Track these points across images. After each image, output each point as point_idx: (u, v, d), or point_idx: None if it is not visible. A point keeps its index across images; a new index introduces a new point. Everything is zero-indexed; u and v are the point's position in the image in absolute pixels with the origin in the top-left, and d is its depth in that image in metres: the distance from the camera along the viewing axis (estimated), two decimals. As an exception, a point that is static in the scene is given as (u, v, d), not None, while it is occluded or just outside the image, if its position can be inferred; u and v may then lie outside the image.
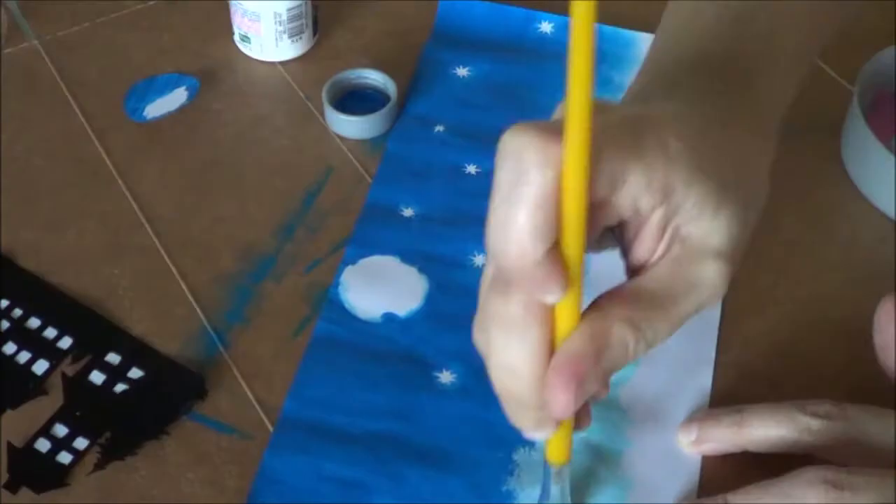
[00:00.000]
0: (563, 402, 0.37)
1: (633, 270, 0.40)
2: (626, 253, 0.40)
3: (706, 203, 0.37)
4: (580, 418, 0.43)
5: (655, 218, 0.38)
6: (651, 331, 0.38)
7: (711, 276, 0.39)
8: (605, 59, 0.69)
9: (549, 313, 0.37)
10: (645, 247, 0.39)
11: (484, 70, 0.69)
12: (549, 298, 0.36)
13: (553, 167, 0.34)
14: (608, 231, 0.39)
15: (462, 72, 0.69)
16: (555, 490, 0.46)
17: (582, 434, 0.51)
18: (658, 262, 0.39)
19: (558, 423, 0.41)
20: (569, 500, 0.47)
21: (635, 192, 0.37)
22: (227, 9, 0.69)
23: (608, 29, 0.69)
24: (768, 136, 0.43)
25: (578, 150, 0.34)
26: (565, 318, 0.37)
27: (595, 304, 0.38)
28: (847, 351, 0.55)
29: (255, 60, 0.69)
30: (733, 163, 0.39)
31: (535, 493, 0.49)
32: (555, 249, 0.35)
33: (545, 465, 0.45)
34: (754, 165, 0.41)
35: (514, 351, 0.38)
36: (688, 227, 0.38)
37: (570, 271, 0.36)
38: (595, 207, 0.36)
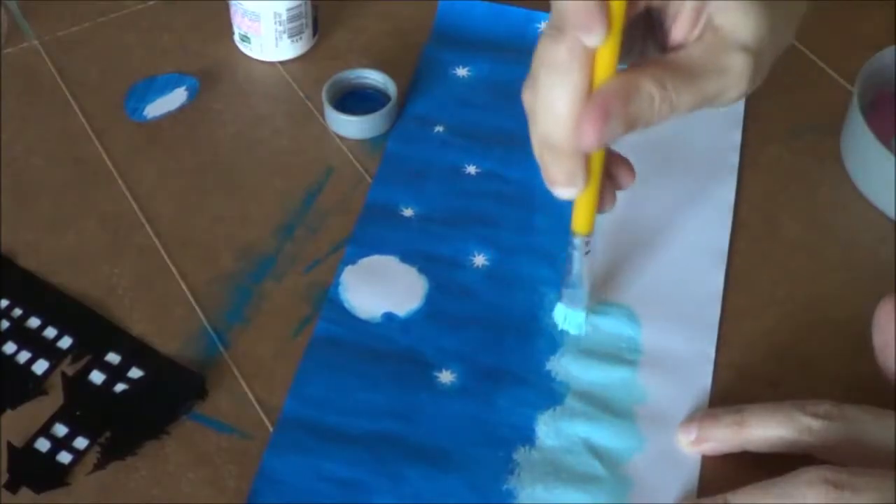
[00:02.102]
0: (590, 132, 0.42)
1: (670, 52, 0.45)
2: (663, 38, 0.46)
3: None
4: (604, 198, 0.49)
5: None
6: (676, 95, 0.43)
7: (737, 65, 0.43)
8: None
9: (590, 60, 0.43)
10: (681, 29, 0.44)
11: (484, 70, 0.69)
12: (593, 40, 0.42)
13: None
14: (644, 23, 0.45)
15: (462, 72, 0.69)
16: (577, 263, 0.51)
17: (588, 438, 0.51)
18: (692, 44, 0.44)
19: (587, 180, 0.46)
20: (586, 278, 0.52)
21: None
22: (227, 9, 0.69)
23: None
24: None
25: None
26: (603, 66, 0.43)
27: (631, 66, 0.44)
28: (847, 351, 0.55)
29: (255, 60, 0.69)
30: None
31: (535, 492, 0.49)
32: (602, 1, 0.41)
33: (570, 238, 0.51)
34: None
35: (556, 91, 0.43)
36: (720, 17, 0.43)
37: (612, 21, 0.41)
38: None
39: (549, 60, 0.43)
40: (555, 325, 0.55)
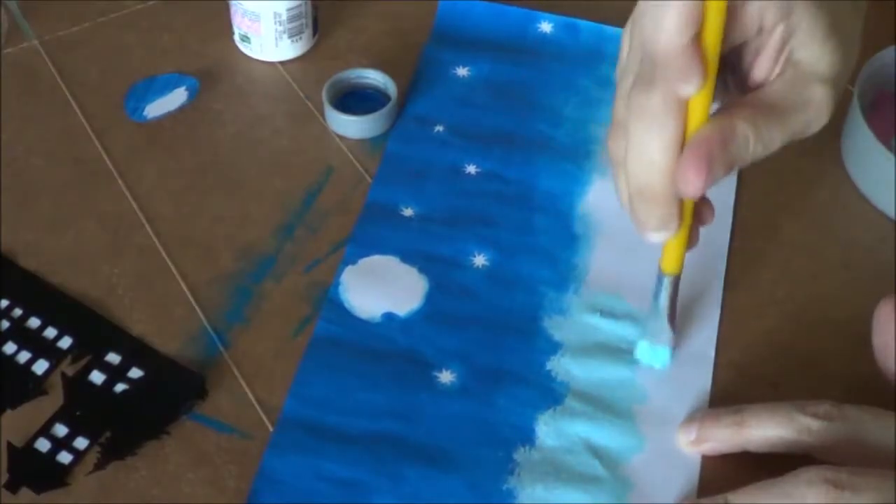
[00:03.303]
0: (694, 180, 0.43)
1: (751, 90, 0.46)
2: (745, 76, 0.47)
3: (817, 30, 0.44)
4: (691, 237, 0.50)
5: (776, 36, 0.44)
6: (768, 133, 0.44)
7: (819, 96, 0.45)
8: (604, 59, 0.69)
9: (684, 109, 0.43)
10: (764, 67, 0.46)
11: (484, 70, 0.69)
12: (688, 89, 0.42)
13: None
14: (724, 61, 0.45)
15: (462, 72, 0.69)
16: (664, 301, 0.52)
17: (588, 438, 0.51)
18: (774, 81, 0.45)
19: (680, 224, 0.46)
20: (670, 316, 0.52)
21: (762, 4, 0.43)
22: (227, 9, 0.69)
23: (610, 29, 0.69)
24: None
25: None
26: (697, 112, 0.43)
27: (721, 109, 0.45)
28: (847, 351, 0.55)
29: (255, 60, 0.69)
30: (840, 9, 0.45)
31: (535, 492, 0.49)
32: (696, 43, 0.42)
33: (658, 275, 0.51)
34: (851, 19, 0.47)
35: (651, 141, 0.44)
36: (800, 52, 0.45)
37: (707, 66, 0.42)
38: (727, 16, 0.42)
39: (643, 110, 0.44)
40: (553, 327, 0.55)
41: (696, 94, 0.43)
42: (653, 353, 0.54)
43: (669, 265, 0.51)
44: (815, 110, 0.45)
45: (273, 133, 0.65)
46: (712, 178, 0.43)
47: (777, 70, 0.45)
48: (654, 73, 0.43)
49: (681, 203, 0.46)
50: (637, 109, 0.44)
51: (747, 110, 0.44)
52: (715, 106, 0.45)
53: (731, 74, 0.47)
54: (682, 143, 0.44)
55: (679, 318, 0.56)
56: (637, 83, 0.44)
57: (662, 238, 0.47)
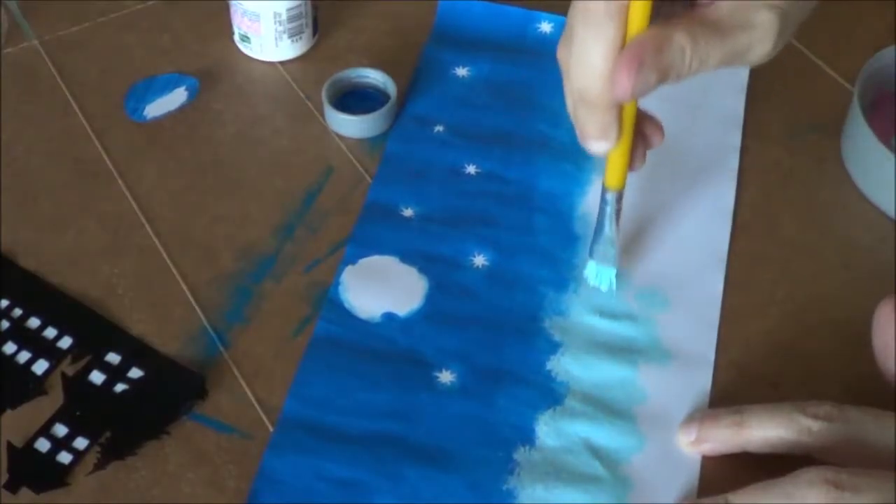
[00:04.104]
0: (624, 81, 0.44)
1: (698, 7, 0.46)
2: None
3: None
4: (634, 156, 0.51)
5: None
6: (706, 49, 0.45)
7: (765, 21, 0.45)
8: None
9: (624, 14, 0.44)
10: None
11: (484, 70, 0.69)
12: None
13: None
14: None
15: (462, 72, 0.69)
16: (608, 220, 0.53)
17: (588, 438, 0.51)
18: (721, 2, 0.45)
19: (619, 134, 0.47)
20: (618, 236, 0.54)
21: None
22: (227, 9, 0.69)
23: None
24: None
25: None
26: (637, 19, 0.44)
27: (662, 20, 0.45)
28: (847, 351, 0.55)
29: (255, 60, 0.69)
30: None
31: (535, 492, 0.49)
32: None
33: (602, 193, 0.52)
34: None
35: (592, 45, 0.44)
36: None
37: None
38: None
39: (585, 15, 0.45)
40: (553, 327, 0.55)
41: None
42: (600, 273, 0.55)
43: (612, 180, 0.52)
44: (758, 35, 0.45)
45: (273, 133, 0.65)
46: (643, 81, 0.44)
47: None
48: None
49: (620, 112, 0.47)
50: (581, 13, 0.45)
51: (689, 23, 0.45)
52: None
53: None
54: (622, 47, 0.45)
55: (679, 319, 0.56)
56: None
57: (603, 148, 0.48)
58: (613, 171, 0.52)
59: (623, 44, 0.45)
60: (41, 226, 0.59)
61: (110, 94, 0.66)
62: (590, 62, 0.45)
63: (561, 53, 0.47)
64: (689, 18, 0.45)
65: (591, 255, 0.55)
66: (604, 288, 0.56)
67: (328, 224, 0.60)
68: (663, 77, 0.45)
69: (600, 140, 0.48)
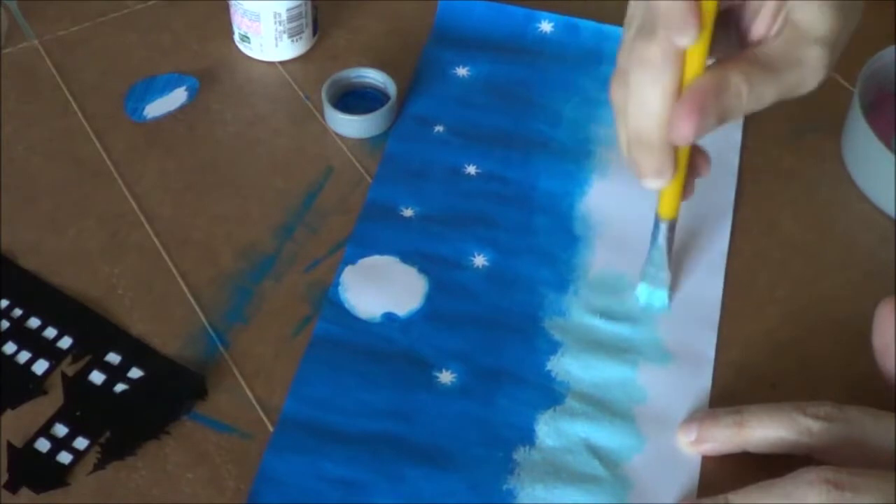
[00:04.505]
0: (685, 128, 0.45)
1: (750, 47, 0.48)
2: (742, 34, 0.48)
3: None
4: (686, 186, 0.52)
5: None
6: (761, 89, 0.46)
7: (814, 57, 0.46)
8: (604, 59, 0.69)
9: (681, 59, 0.45)
10: (762, 25, 0.47)
11: (484, 70, 0.69)
12: (685, 40, 0.44)
13: None
14: (724, 18, 0.47)
15: (462, 72, 0.69)
16: (661, 245, 0.54)
17: (588, 438, 0.51)
18: (771, 39, 0.47)
19: (675, 172, 0.48)
20: (670, 260, 0.55)
21: None
22: (227, 9, 0.69)
23: (610, 29, 0.69)
24: None
25: None
26: (694, 63, 0.45)
27: (717, 63, 0.46)
28: (847, 351, 0.55)
29: (255, 60, 0.69)
30: None
31: (535, 492, 0.49)
32: (695, 2, 0.43)
33: (655, 221, 0.54)
34: None
35: (649, 89, 0.46)
36: (797, 13, 0.46)
37: (703, 19, 0.44)
38: None
39: (642, 59, 0.46)
40: (553, 327, 0.55)
41: (693, 45, 0.44)
42: (652, 295, 0.56)
43: (666, 211, 0.53)
44: (809, 70, 0.46)
45: (273, 133, 0.65)
46: (703, 126, 0.45)
47: (775, 29, 0.47)
48: (655, 23, 0.45)
49: (676, 151, 0.48)
50: (637, 58, 0.46)
51: (742, 64, 0.46)
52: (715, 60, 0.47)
53: (732, 31, 0.49)
54: (679, 93, 0.46)
55: (679, 319, 0.56)
56: (639, 33, 0.46)
57: (658, 185, 0.49)
58: (667, 203, 0.53)
59: (680, 87, 0.46)
60: (41, 226, 0.59)
61: (110, 94, 0.66)
62: (648, 106, 0.46)
63: (615, 95, 0.48)
64: (743, 60, 0.46)
65: (642, 277, 0.56)
66: (657, 309, 0.56)
67: (328, 224, 0.60)
68: (723, 120, 0.46)
69: (657, 179, 0.49)
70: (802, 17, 0.46)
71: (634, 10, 0.49)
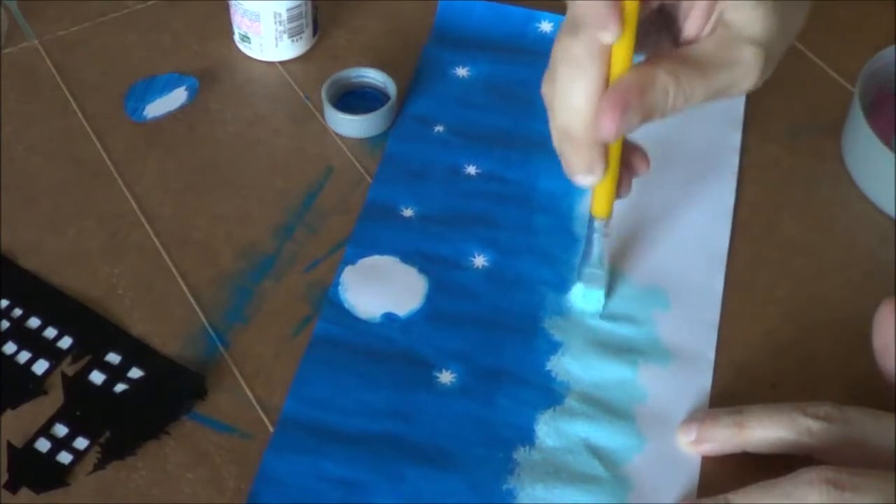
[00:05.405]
0: (608, 123, 0.44)
1: (681, 46, 0.47)
2: (676, 34, 0.48)
3: None
4: (621, 184, 0.51)
5: None
6: (689, 88, 0.45)
7: (748, 58, 0.45)
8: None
9: (606, 55, 0.45)
10: (694, 25, 0.47)
11: (484, 70, 0.69)
12: (608, 38, 0.43)
13: None
14: (658, 17, 0.47)
15: (462, 72, 0.69)
16: (596, 246, 0.54)
17: (588, 438, 0.51)
18: (704, 39, 0.46)
19: (605, 168, 0.47)
20: (606, 260, 0.55)
21: None
22: (227, 9, 0.69)
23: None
24: None
25: None
26: (619, 61, 0.45)
27: (646, 59, 0.46)
28: (847, 351, 0.55)
29: (255, 60, 0.69)
30: None
31: (535, 492, 0.49)
32: (616, 2, 0.43)
33: (589, 220, 0.53)
34: None
35: (575, 86, 0.45)
36: (730, 13, 0.45)
37: (626, 19, 0.43)
38: None
39: (568, 56, 0.45)
40: (553, 327, 0.55)
41: (618, 43, 0.44)
42: (587, 295, 0.56)
43: (599, 209, 0.53)
44: (742, 70, 0.46)
45: (273, 133, 0.65)
46: (627, 123, 0.45)
47: (707, 29, 0.46)
48: (578, 21, 0.45)
49: (605, 148, 0.47)
50: (563, 54, 0.46)
51: (672, 63, 0.45)
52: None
53: (664, 30, 0.48)
54: (605, 88, 0.45)
55: (679, 319, 0.56)
56: (564, 29, 0.46)
57: (590, 182, 0.48)
58: (600, 201, 0.52)
59: (606, 84, 0.45)
60: (41, 226, 0.59)
61: (110, 94, 0.66)
62: (574, 103, 0.46)
63: (545, 90, 0.48)
64: (673, 58, 0.46)
65: (578, 277, 0.56)
66: (592, 310, 0.56)
67: (328, 224, 0.60)
68: (647, 118, 0.45)
69: (587, 175, 0.48)
70: (736, 18, 0.45)
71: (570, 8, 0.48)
